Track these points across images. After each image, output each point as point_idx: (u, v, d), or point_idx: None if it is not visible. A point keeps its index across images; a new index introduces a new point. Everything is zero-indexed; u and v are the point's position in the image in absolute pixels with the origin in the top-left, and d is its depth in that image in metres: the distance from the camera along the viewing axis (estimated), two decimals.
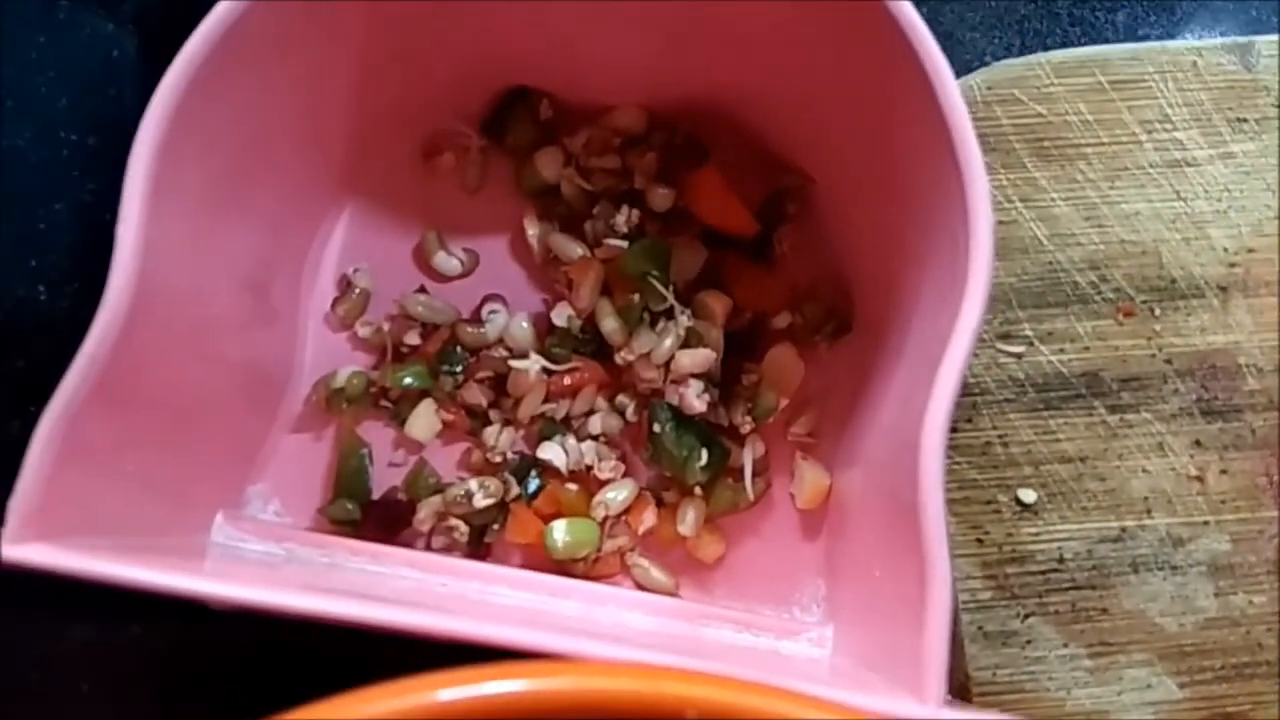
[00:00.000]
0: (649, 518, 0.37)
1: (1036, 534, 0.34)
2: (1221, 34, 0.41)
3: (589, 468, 0.37)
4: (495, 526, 0.37)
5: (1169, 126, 0.36)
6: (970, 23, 0.43)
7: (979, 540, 0.34)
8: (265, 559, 0.35)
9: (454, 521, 0.37)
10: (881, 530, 0.31)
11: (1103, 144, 0.36)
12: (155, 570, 0.26)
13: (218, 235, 0.33)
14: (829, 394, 0.38)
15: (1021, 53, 0.42)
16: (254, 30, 0.29)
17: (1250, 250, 0.36)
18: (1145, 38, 0.42)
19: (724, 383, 0.37)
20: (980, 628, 0.34)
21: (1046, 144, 0.36)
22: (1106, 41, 0.42)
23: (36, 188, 0.41)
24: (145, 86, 0.40)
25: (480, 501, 0.36)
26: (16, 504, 0.26)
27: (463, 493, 0.36)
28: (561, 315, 0.37)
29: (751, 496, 0.37)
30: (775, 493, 0.38)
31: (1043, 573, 0.34)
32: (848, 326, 0.38)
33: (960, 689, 0.34)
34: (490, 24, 0.35)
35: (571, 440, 0.37)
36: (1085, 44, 0.42)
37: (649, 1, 0.33)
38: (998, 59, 0.42)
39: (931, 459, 0.26)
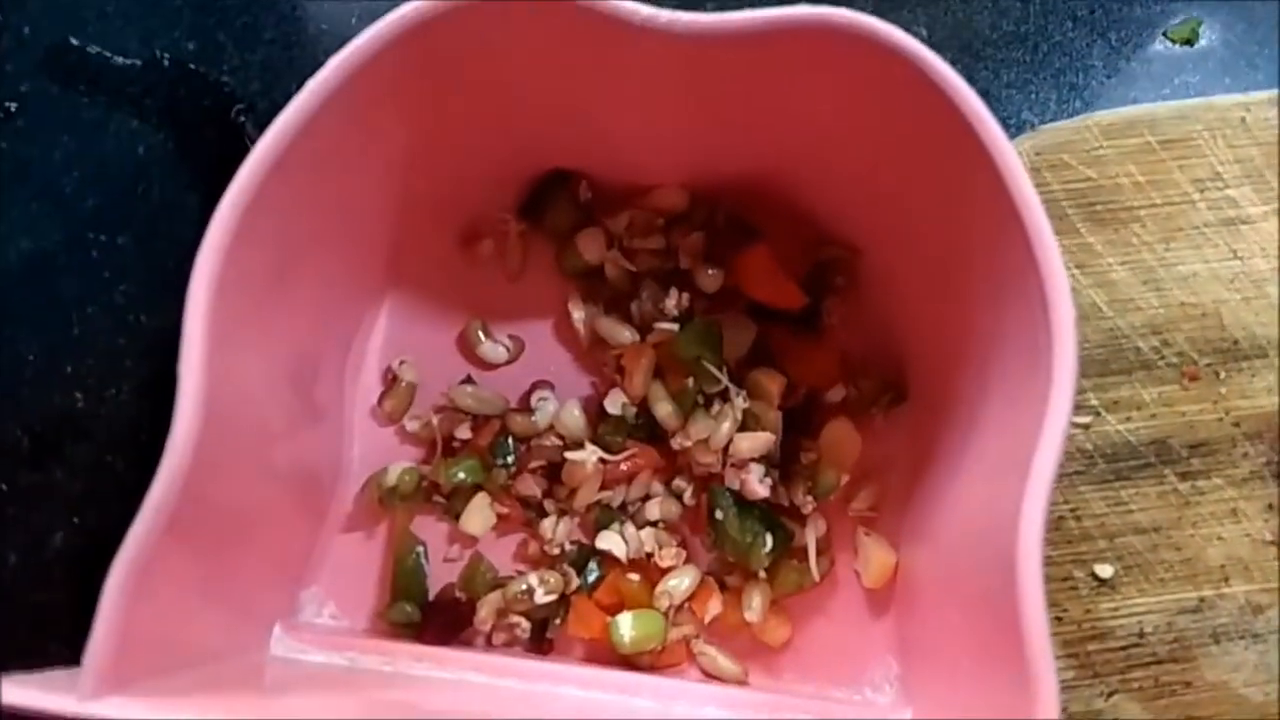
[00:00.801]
0: (714, 605, 0.36)
1: (1115, 609, 0.33)
2: (1260, 83, 0.41)
3: (649, 555, 0.37)
4: (557, 621, 0.36)
5: (1221, 184, 0.36)
6: (1005, 80, 0.42)
7: (1058, 618, 0.33)
8: (327, 670, 0.34)
9: (515, 618, 0.36)
10: (964, 618, 0.30)
11: (1156, 205, 0.36)
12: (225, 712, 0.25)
13: (260, 340, 0.33)
14: (889, 467, 0.37)
15: (1059, 108, 0.42)
16: (297, 150, 0.29)
17: None
18: (1182, 87, 0.42)
19: (783, 462, 0.37)
20: (1064, 709, 0.33)
21: (1099, 208, 0.36)
22: (1143, 92, 0.42)
23: (68, 292, 0.40)
24: (174, 183, 0.40)
25: (541, 597, 0.35)
26: (92, 659, 0.25)
27: (523, 589, 0.36)
28: (615, 403, 0.37)
29: (817, 576, 0.36)
30: (839, 571, 0.37)
31: (1124, 648, 0.33)
32: (903, 397, 0.37)
33: None
34: (526, 113, 0.34)
35: (630, 528, 0.37)
36: (1122, 96, 0.42)
37: (691, 87, 0.33)
38: (1036, 114, 0.42)
39: (1030, 563, 0.25)
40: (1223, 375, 0.35)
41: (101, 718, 0.25)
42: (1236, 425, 0.34)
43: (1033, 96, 0.42)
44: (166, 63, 0.43)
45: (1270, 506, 0.34)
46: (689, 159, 0.37)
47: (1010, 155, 0.28)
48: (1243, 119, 0.36)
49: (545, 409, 0.37)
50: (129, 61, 0.42)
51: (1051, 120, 0.39)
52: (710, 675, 0.36)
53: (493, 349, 0.38)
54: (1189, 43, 0.43)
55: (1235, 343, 0.35)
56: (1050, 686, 0.24)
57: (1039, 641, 0.25)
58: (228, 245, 0.28)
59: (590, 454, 0.36)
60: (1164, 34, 0.43)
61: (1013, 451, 0.27)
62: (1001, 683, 0.27)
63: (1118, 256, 0.35)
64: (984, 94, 0.42)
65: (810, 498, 0.36)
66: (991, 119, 0.28)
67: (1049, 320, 0.26)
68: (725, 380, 0.36)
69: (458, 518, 0.37)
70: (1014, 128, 0.41)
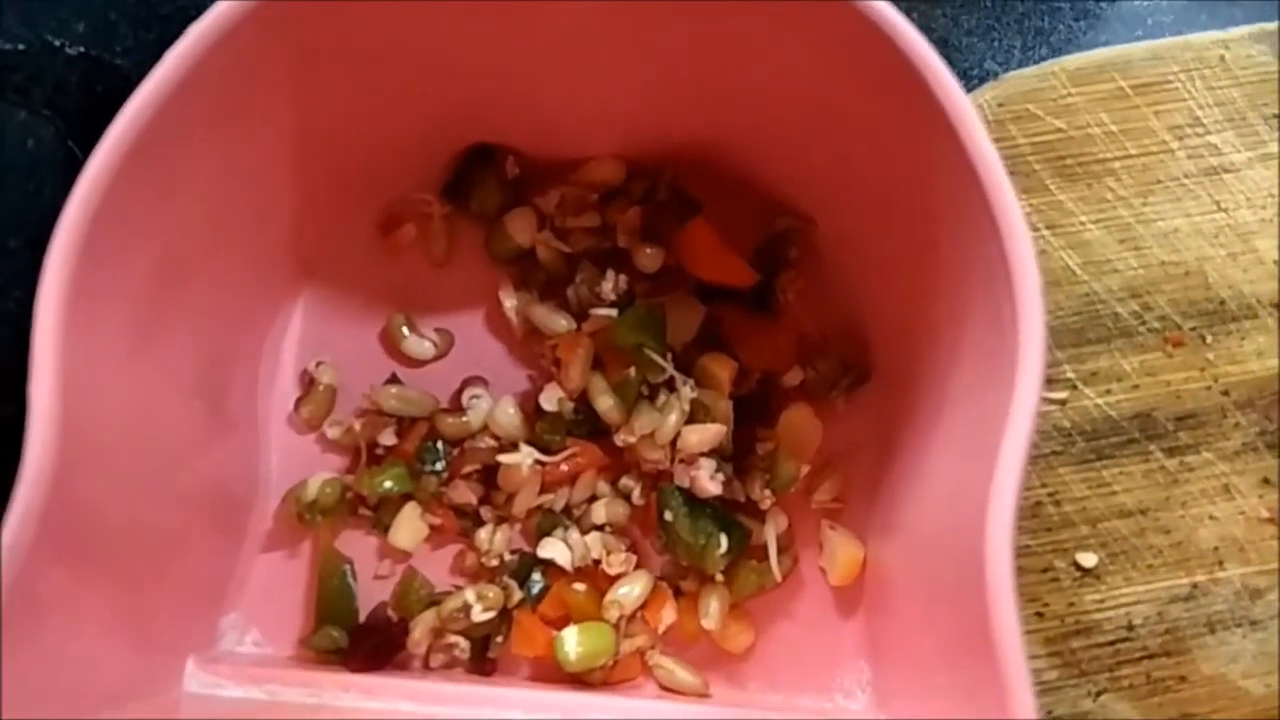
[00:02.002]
0: (668, 613, 0.34)
1: (1101, 600, 0.31)
2: (1239, 18, 0.38)
3: (596, 562, 0.34)
4: (499, 638, 0.34)
5: (1201, 130, 0.33)
6: (966, 27, 0.39)
7: (1039, 614, 0.31)
8: (245, 705, 0.31)
9: (453, 638, 0.33)
10: (938, 620, 0.28)
11: (1131, 156, 0.33)
12: None
13: (156, 348, 0.30)
14: (853, 454, 0.35)
15: (1024, 55, 0.39)
16: (177, 119, 0.26)
17: None
18: (1156, 28, 0.39)
19: (737, 454, 0.34)
20: (1050, 712, 0.30)
21: (1069, 161, 0.33)
22: (1115, 35, 0.39)
23: None
24: (68, 179, 0.36)
25: (479, 615, 0.33)
26: None
27: (459, 605, 0.33)
28: (551, 399, 0.34)
29: (779, 576, 0.34)
30: (804, 569, 0.35)
31: (1111, 643, 0.31)
32: (866, 377, 0.35)
33: None
34: (441, 78, 0.31)
35: (574, 533, 0.34)
36: (1092, 40, 0.39)
37: (624, 43, 0.29)
38: (1000, 63, 0.39)
39: (998, 560, 0.23)
40: (1209, 339, 0.32)
41: None
42: (1226, 394, 0.32)
43: (995, 44, 0.39)
44: (55, 47, 0.39)
45: (1266, 480, 0.31)
46: (624, 127, 0.34)
47: (965, 108, 0.25)
48: (1222, 57, 0.33)
49: (478, 408, 0.35)
50: (12, 47, 0.39)
51: (1017, 69, 0.36)
52: (668, 689, 0.34)
53: (418, 344, 0.35)
54: None
55: (1222, 303, 0.32)
56: (1024, 691, 0.22)
57: (1010, 641, 0.23)
58: (81, 248, 0.25)
59: (525, 455, 0.33)
60: None
61: (980, 434, 0.25)
62: (975, 686, 0.25)
63: (1091, 214, 0.32)
64: (942, 43, 0.39)
65: (768, 491, 0.34)
66: (943, 68, 0.25)
67: (1012, 288, 0.24)
68: (670, 368, 0.33)
69: (387, 531, 0.34)
70: (976, 79, 0.38)
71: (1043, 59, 0.37)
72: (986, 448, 0.24)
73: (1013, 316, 0.24)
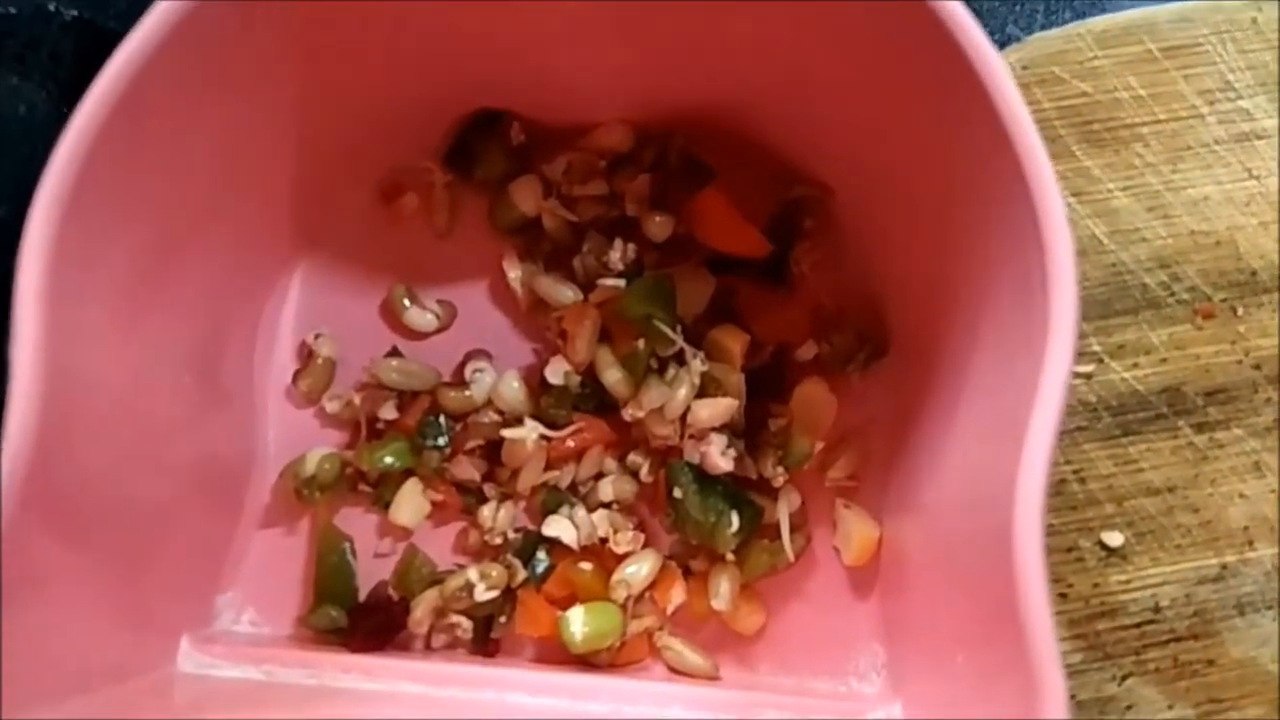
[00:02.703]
0: (677, 593, 0.33)
1: (1127, 581, 0.30)
2: None
3: (603, 540, 0.33)
4: (502, 619, 0.33)
5: (1232, 95, 0.32)
6: None
7: (1062, 595, 0.30)
8: (242, 686, 0.31)
9: (455, 618, 0.32)
10: (959, 603, 0.27)
11: (1160, 121, 0.32)
12: None
13: (152, 318, 0.29)
14: (868, 431, 0.34)
15: (1048, 19, 0.38)
16: (166, 77, 0.25)
17: None
18: None
19: (749, 430, 0.33)
20: (1073, 696, 0.29)
21: (1096, 127, 0.32)
22: None
23: None
24: None
25: (482, 594, 0.32)
26: None
27: (461, 584, 0.32)
28: (557, 372, 0.33)
29: (791, 556, 0.33)
30: (817, 548, 0.34)
31: (1137, 625, 0.30)
32: (883, 351, 0.34)
33: None
34: (444, 42, 0.30)
35: (580, 511, 0.33)
36: (1116, 3, 0.38)
37: (633, 4, 0.28)
38: (1022, 28, 0.38)
39: (1028, 539, 0.22)
40: (1240, 311, 0.31)
41: None
42: (1257, 367, 0.31)
43: (1018, 8, 0.38)
44: (48, 11, 0.38)
45: None
46: (632, 90, 0.33)
47: (997, 66, 0.24)
48: (1254, 19, 0.32)
49: (481, 381, 0.34)
50: (4, 11, 0.38)
51: (1040, 33, 0.35)
52: (677, 671, 0.33)
53: (420, 316, 0.34)
54: None
55: (1253, 274, 0.31)
56: (1055, 677, 0.21)
57: (1040, 625, 0.22)
58: (65, 209, 0.24)
59: (530, 430, 0.32)
60: None
61: (1008, 409, 0.24)
62: (998, 672, 0.24)
63: (1119, 181, 0.31)
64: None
65: (781, 468, 0.33)
66: (975, 26, 0.24)
67: (1044, 256, 0.23)
68: (680, 341, 0.32)
69: (387, 508, 0.33)
70: (998, 43, 0.37)
71: (1066, 22, 0.36)
72: (1014, 422, 0.23)
73: (1043, 283, 0.23)
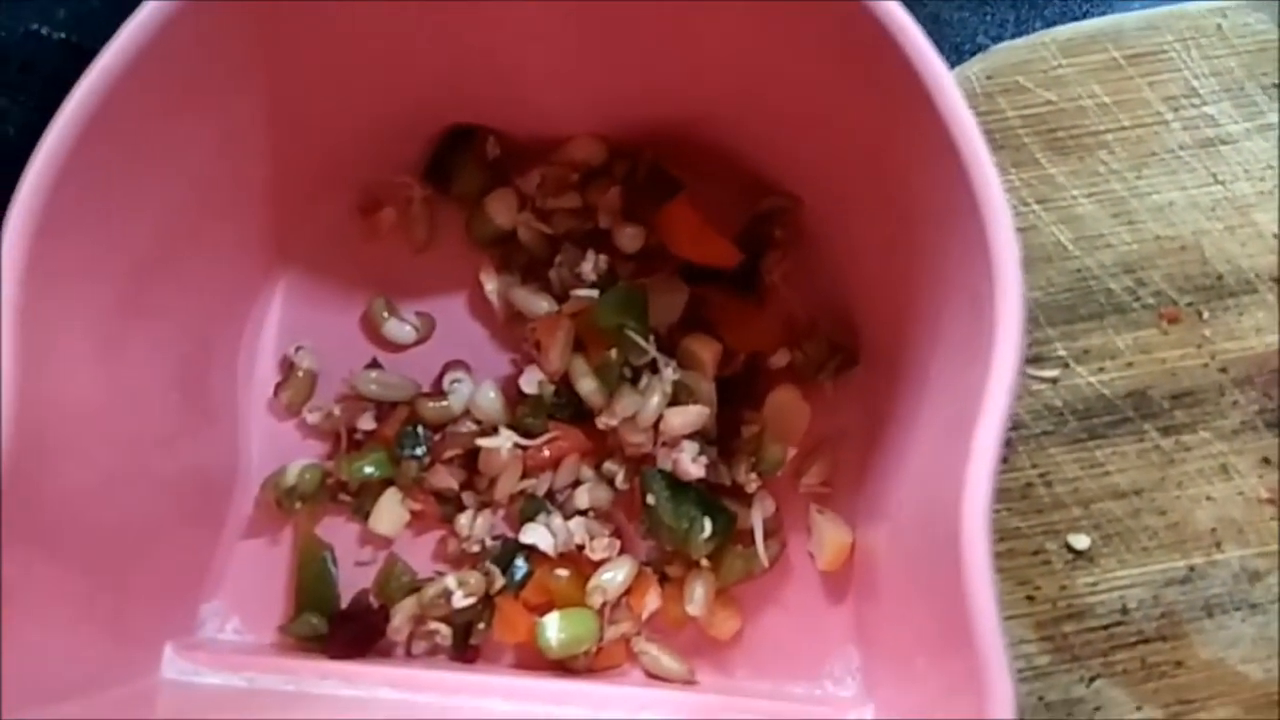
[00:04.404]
0: (652, 599, 0.33)
1: (1094, 584, 0.30)
2: None
3: (580, 547, 0.33)
4: (481, 625, 0.33)
5: (1197, 101, 0.32)
6: (957, 1, 0.38)
7: (1029, 597, 0.30)
8: (224, 693, 0.31)
9: (434, 625, 0.33)
10: (919, 602, 0.27)
11: (1124, 128, 0.32)
12: None
13: (131, 335, 0.30)
14: (841, 437, 0.34)
15: (1018, 30, 0.38)
16: (140, 94, 0.25)
17: None
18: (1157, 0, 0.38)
19: (722, 437, 0.33)
20: (1041, 698, 0.29)
21: (1061, 134, 0.32)
22: (1112, 6, 0.38)
23: None
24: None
25: (460, 601, 0.32)
26: None
27: (439, 592, 0.32)
28: (531, 381, 0.33)
29: (765, 562, 0.33)
30: (792, 554, 0.34)
31: (1105, 627, 0.30)
32: (854, 359, 0.34)
33: None
34: (420, 59, 0.31)
35: (557, 519, 0.33)
36: (1088, 11, 0.38)
37: (603, 22, 0.29)
38: (992, 38, 0.38)
39: (974, 538, 0.22)
40: (1206, 315, 0.31)
41: None
42: (1223, 371, 0.31)
43: (988, 18, 0.38)
44: (36, 33, 0.39)
45: (1265, 460, 0.30)
46: (604, 104, 0.34)
47: (943, 77, 0.24)
48: (1219, 26, 0.32)
49: (459, 392, 0.34)
50: None
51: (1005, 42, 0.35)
52: (654, 676, 0.33)
53: (399, 328, 0.35)
54: None
55: (1219, 278, 0.31)
56: (1003, 684, 0.21)
57: (987, 629, 0.22)
58: (40, 223, 0.25)
59: (505, 439, 0.33)
60: None
61: (959, 414, 0.24)
62: (956, 674, 0.24)
63: (1084, 188, 0.32)
64: (933, 18, 0.38)
65: (754, 475, 0.33)
66: (922, 38, 0.25)
67: (990, 262, 0.23)
68: (652, 350, 0.32)
69: (367, 517, 0.34)
70: (968, 53, 0.37)
71: (1038, 31, 0.36)
72: (964, 427, 0.23)
73: (990, 293, 0.23)
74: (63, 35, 0.39)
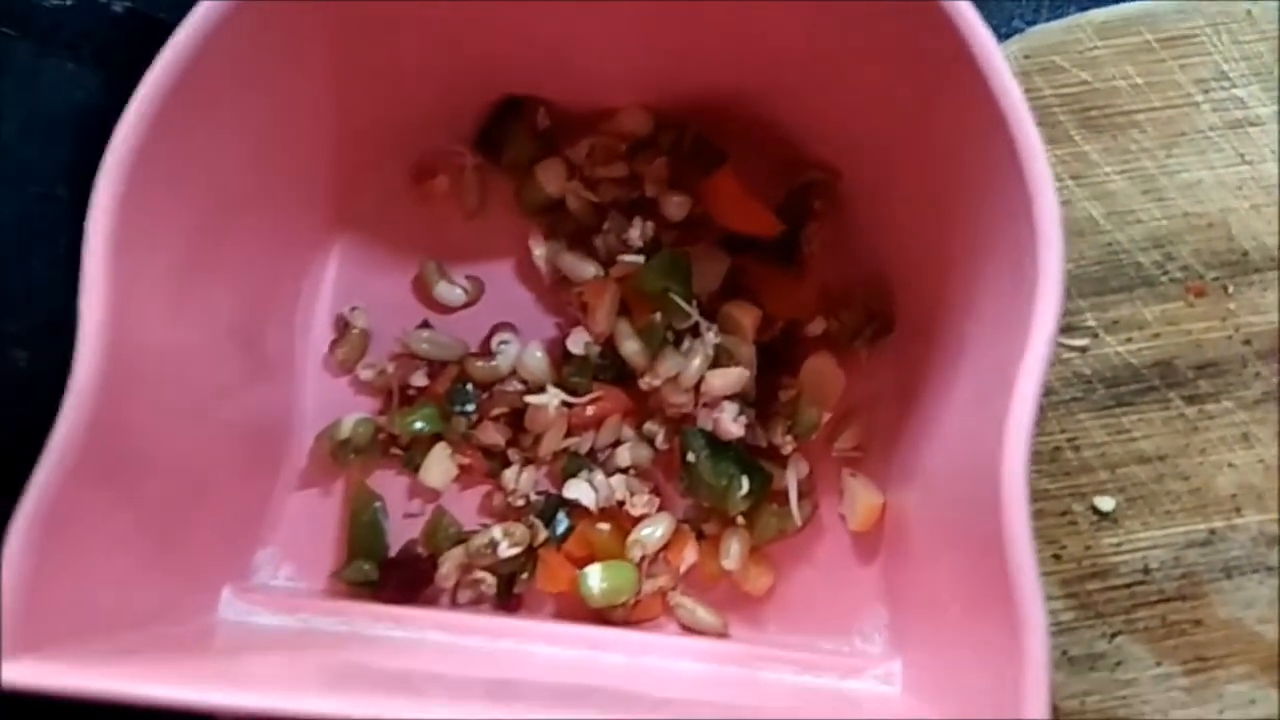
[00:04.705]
0: (690, 554, 0.34)
1: (1118, 544, 0.31)
2: None
3: (620, 503, 0.35)
4: (524, 575, 0.35)
5: (1227, 84, 0.33)
6: None
7: (1056, 556, 0.31)
8: (280, 633, 0.33)
9: (479, 574, 0.34)
10: (954, 559, 0.28)
11: (1156, 109, 0.33)
12: (154, 683, 0.23)
13: (198, 288, 0.31)
14: (874, 403, 0.35)
15: (1052, 15, 0.39)
16: (213, 66, 0.27)
17: None
18: None
19: (760, 401, 0.35)
20: (1064, 652, 0.31)
21: (1095, 114, 0.33)
22: None
23: (8, 247, 0.38)
24: (112, 130, 0.37)
25: (505, 551, 0.33)
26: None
27: (486, 542, 0.34)
28: (578, 342, 0.34)
29: (799, 521, 0.34)
30: (824, 515, 0.35)
31: (1128, 586, 0.31)
32: (889, 328, 0.35)
33: None
34: (473, 32, 0.32)
35: (599, 475, 0.35)
36: None
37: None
38: (1027, 22, 0.39)
39: (1014, 493, 0.23)
40: (1231, 290, 0.32)
41: (12, 683, 0.23)
42: (1247, 343, 0.32)
43: (1023, 3, 0.39)
44: (102, 3, 0.40)
45: None
46: (651, 79, 0.35)
47: (992, 50, 0.26)
48: (1249, 12, 0.33)
49: (507, 353, 0.35)
50: (61, 3, 0.40)
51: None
52: (689, 628, 0.35)
53: (450, 291, 0.36)
54: None
55: (1244, 254, 0.32)
56: (1039, 629, 0.22)
57: (1027, 582, 0.23)
58: (136, 154, 0.26)
59: (552, 397, 0.34)
60: None
61: (998, 377, 0.25)
62: (991, 629, 0.25)
63: (1115, 165, 0.33)
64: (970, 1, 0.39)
65: (790, 437, 0.34)
66: (971, 10, 0.26)
67: (1034, 228, 0.24)
68: (695, 314, 0.34)
69: (417, 470, 0.35)
70: (1003, 35, 0.38)
71: (1070, 15, 0.37)
72: (1002, 391, 0.25)
73: (1033, 258, 0.24)
74: (128, 5, 0.40)
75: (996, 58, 0.25)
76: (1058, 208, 0.24)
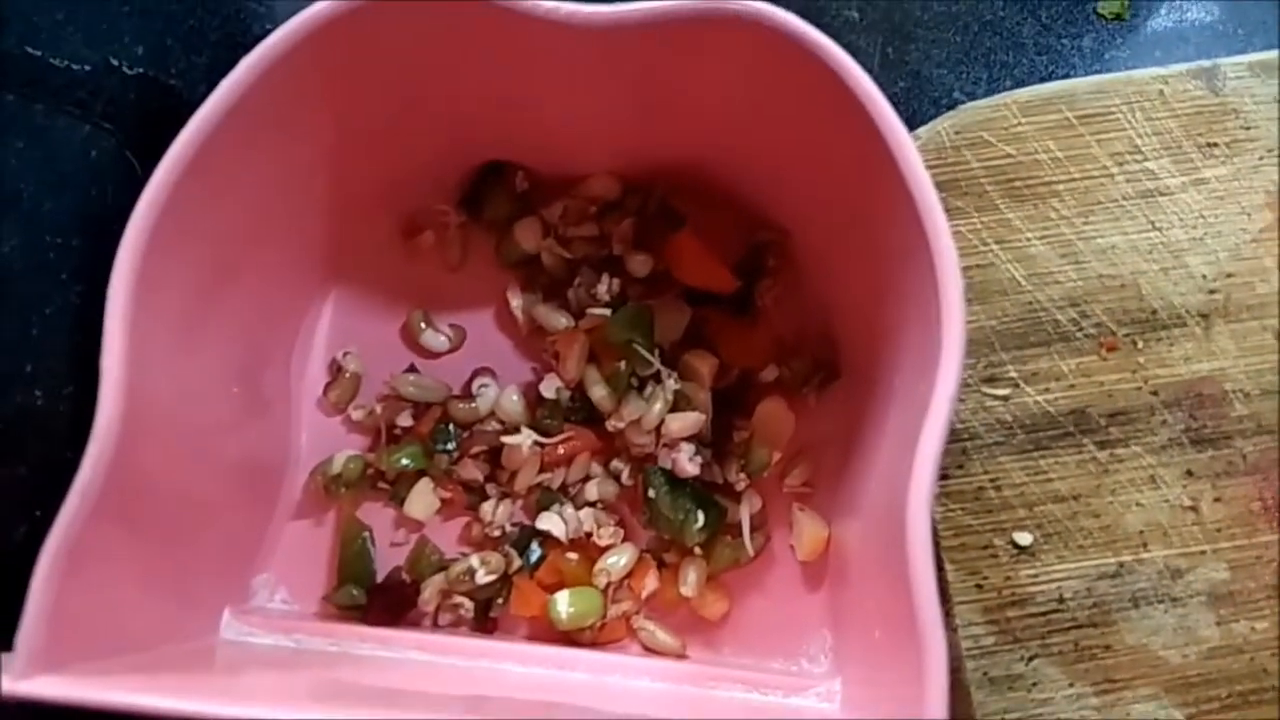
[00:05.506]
0: (651, 581, 0.37)
1: (1035, 575, 0.34)
2: (1190, 55, 0.42)
3: (589, 535, 0.38)
4: (500, 600, 0.37)
5: (1139, 157, 0.36)
6: (936, 60, 0.43)
7: (978, 586, 0.34)
8: (275, 652, 0.35)
9: (459, 599, 0.37)
10: (877, 587, 0.31)
11: (1074, 180, 0.36)
12: (162, 695, 0.26)
13: (205, 336, 0.34)
14: (822, 444, 0.38)
15: (990, 86, 0.43)
16: (225, 139, 0.30)
17: (1229, 275, 0.36)
18: (1113, 61, 0.43)
19: (716, 441, 0.38)
20: (985, 673, 0.34)
21: (1018, 184, 0.36)
22: (1074, 69, 0.43)
23: (27, 294, 0.41)
24: (126, 184, 0.41)
25: (482, 578, 0.36)
26: (24, 639, 0.27)
27: (465, 570, 0.37)
28: (550, 387, 0.38)
29: (751, 552, 0.37)
30: (776, 546, 0.38)
31: (1044, 614, 0.34)
32: (835, 375, 0.38)
33: None
34: (460, 103, 0.35)
35: (569, 509, 0.38)
36: (1053, 72, 0.43)
37: (616, 76, 0.33)
38: (967, 94, 0.43)
39: (918, 525, 0.26)
40: (1141, 345, 0.35)
41: (33, 696, 0.26)
42: (1155, 393, 0.35)
43: (964, 76, 0.43)
44: (115, 67, 0.43)
45: (1188, 473, 0.35)
46: (618, 147, 0.38)
47: (900, 133, 0.29)
48: (1161, 91, 0.37)
49: (486, 395, 0.38)
50: (80, 67, 0.43)
51: (984, 99, 0.39)
52: (650, 649, 0.37)
53: (434, 338, 0.39)
54: (1119, 18, 0.43)
55: (1154, 313, 0.36)
56: (936, 634, 0.25)
57: (925, 591, 0.26)
58: (146, 244, 0.29)
59: (525, 437, 0.37)
60: (1094, 10, 0.44)
61: (913, 424, 0.28)
62: (903, 649, 0.28)
63: (1036, 231, 0.36)
64: (915, 74, 0.43)
65: (744, 475, 0.37)
66: (882, 99, 0.29)
67: (938, 293, 0.27)
68: (656, 362, 0.37)
69: (402, 503, 0.38)
70: (945, 106, 0.42)
71: (1007, 89, 0.41)
72: (915, 434, 0.28)
73: (938, 316, 0.28)
74: (140, 70, 0.43)
75: (908, 147, 0.28)
76: (959, 279, 0.27)
